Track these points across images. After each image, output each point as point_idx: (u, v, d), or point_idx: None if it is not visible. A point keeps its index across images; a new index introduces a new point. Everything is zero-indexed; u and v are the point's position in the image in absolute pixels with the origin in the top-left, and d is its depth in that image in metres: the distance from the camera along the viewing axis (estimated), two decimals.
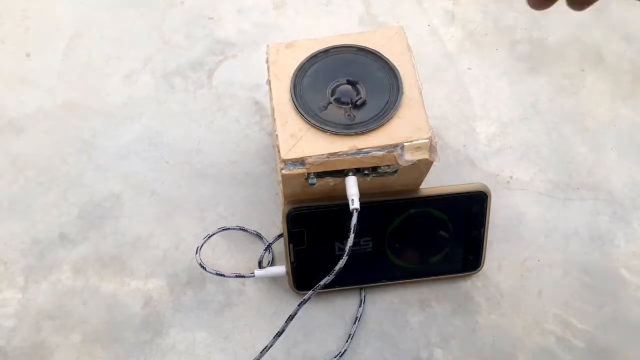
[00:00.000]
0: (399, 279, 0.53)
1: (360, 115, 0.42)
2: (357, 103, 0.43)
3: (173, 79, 0.63)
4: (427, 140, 0.41)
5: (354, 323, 0.52)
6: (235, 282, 0.54)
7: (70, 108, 0.61)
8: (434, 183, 0.52)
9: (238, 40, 0.66)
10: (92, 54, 0.65)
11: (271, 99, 0.45)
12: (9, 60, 0.64)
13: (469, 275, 0.54)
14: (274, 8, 0.68)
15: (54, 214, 0.56)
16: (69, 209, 0.56)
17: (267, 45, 0.46)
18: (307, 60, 0.45)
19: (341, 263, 0.42)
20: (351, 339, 0.51)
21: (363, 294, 0.53)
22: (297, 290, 0.52)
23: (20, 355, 0.51)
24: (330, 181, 0.43)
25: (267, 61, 0.46)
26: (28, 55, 0.65)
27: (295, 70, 0.44)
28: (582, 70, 0.65)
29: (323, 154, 0.41)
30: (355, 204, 0.42)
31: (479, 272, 0.54)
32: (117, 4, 0.67)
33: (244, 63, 0.65)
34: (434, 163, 0.43)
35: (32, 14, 0.67)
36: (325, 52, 0.45)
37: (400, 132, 0.42)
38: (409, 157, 0.42)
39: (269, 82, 0.45)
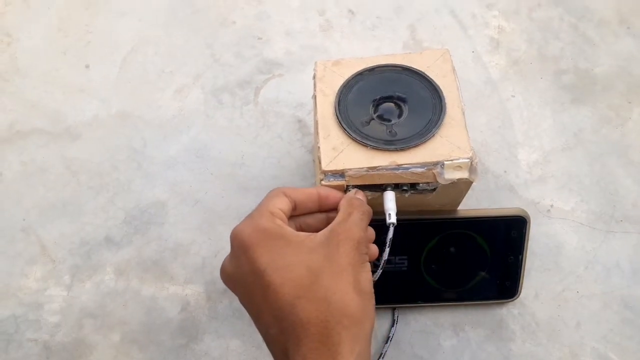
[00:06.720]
0: (433, 301, 0.53)
1: (401, 132, 0.43)
2: (400, 118, 0.44)
3: (221, 94, 0.66)
4: (468, 160, 0.42)
5: (386, 342, 0.52)
6: None
7: (123, 118, 0.64)
8: (473, 207, 0.52)
9: (285, 60, 0.68)
10: (147, 68, 0.68)
11: (315, 114, 0.46)
12: (70, 71, 0.68)
13: (505, 302, 0.53)
14: (320, 31, 0.70)
15: (102, 217, 0.59)
16: (116, 213, 0.59)
17: (315, 62, 0.48)
18: (353, 77, 0.46)
19: (375, 277, 0.42)
20: (382, 358, 0.51)
21: (396, 314, 0.53)
22: None
23: (62, 350, 0.52)
24: (368, 195, 0.44)
25: (314, 77, 0.47)
26: (87, 66, 0.68)
27: (341, 87, 0.46)
28: (629, 103, 0.64)
29: (363, 168, 0.42)
30: (392, 218, 0.42)
31: (515, 300, 0.53)
32: (172, 22, 0.71)
33: (289, 82, 0.67)
34: (474, 185, 0.44)
35: (94, 28, 0.71)
36: (371, 70, 0.46)
37: (441, 150, 0.42)
38: (449, 175, 0.42)
39: (314, 97, 0.47)
